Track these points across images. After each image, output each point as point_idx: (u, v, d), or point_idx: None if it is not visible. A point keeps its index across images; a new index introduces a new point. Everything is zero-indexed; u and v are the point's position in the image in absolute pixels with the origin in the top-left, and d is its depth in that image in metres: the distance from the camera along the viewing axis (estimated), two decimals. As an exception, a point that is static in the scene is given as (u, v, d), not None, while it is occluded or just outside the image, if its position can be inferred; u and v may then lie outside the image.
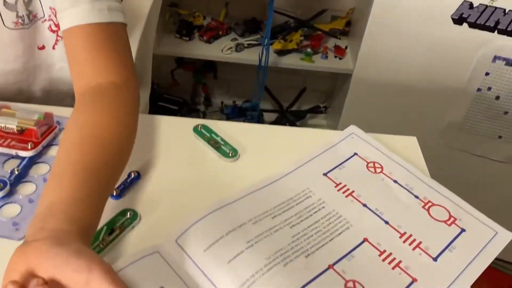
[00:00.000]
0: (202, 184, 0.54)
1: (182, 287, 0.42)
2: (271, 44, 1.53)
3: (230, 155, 0.57)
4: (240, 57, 1.56)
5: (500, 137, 1.21)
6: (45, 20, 0.62)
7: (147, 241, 0.46)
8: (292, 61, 1.57)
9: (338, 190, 0.54)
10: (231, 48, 1.56)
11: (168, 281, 0.43)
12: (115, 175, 0.48)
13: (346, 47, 1.58)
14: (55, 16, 0.61)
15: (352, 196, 0.53)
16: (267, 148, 0.59)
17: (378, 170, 0.57)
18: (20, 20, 0.60)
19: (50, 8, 0.61)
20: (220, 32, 1.59)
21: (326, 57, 1.58)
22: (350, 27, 1.64)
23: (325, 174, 0.56)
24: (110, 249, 0.46)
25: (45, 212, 0.40)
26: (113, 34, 0.55)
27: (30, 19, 0.61)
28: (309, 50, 1.57)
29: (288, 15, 1.61)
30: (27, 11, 0.60)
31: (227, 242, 0.46)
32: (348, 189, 0.54)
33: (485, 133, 1.22)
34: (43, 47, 0.65)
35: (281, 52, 1.56)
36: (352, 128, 0.63)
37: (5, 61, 0.63)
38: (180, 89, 1.80)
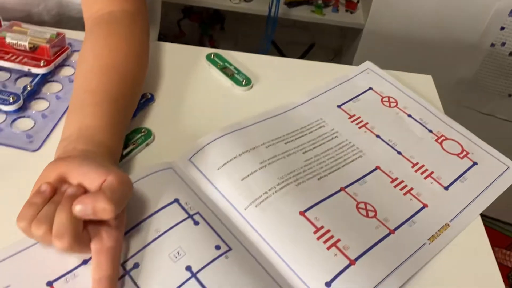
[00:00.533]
0: (214, 110, 0.53)
1: (196, 201, 0.43)
2: (282, -6, 1.49)
3: (244, 83, 0.56)
4: (249, 7, 1.53)
5: (510, 95, 1.20)
6: None
7: (160, 159, 0.46)
8: (302, 13, 1.54)
9: (352, 122, 0.54)
10: (240, -2, 1.52)
11: (182, 194, 0.43)
12: (133, 104, 0.49)
13: (357, 1, 1.54)
14: None
15: (366, 127, 0.53)
16: (281, 79, 0.59)
17: (393, 104, 0.56)
18: None
19: None
20: (229, -19, 1.55)
21: (337, 10, 1.55)
22: (363, -20, 1.60)
23: (339, 106, 0.55)
24: (124, 163, 0.46)
25: (73, 137, 0.41)
26: None
27: None
28: (320, 2, 1.53)
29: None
30: None
31: (241, 162, 0.46)
32: (362, 121, 0.54)
33: (495, 91, 1.21)
34: None
35: (291, 4, 1.53)
36: (368, 64, 0.62)
37: None
38: (187, 40, 1.77)
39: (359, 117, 0.54)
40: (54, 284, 0.36)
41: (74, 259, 0.38)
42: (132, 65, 0.49)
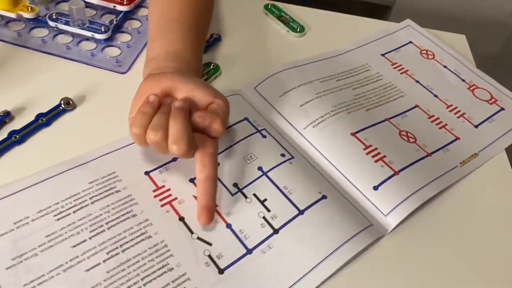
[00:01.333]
0: (272, 52, 0.60)
1: (262, 120, 0.50)
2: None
3: (298, 30, 0.63)
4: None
5: (531, 74, 1.25)
6: None
7: (228, 88, 0.53)
8: (333, -12, 1.59)
9: (394, 68, 0.60)
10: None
11: (250, 114, 0.50)
12: (206, 34, 0.55)
13: (388, -21, 1.59)
14: None
15: (406, 73, 0.60)
16: (331, 30, 0.65)
17: (431, 57, 0.63)
18: None
19: None
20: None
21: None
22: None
23: (382, 55, 0.62)
24: (199, 89, 0.54)
25: (161, 57, 0.47)
26: None
27: None
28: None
29: None
30: None
31: (299, 92, 0.53)
32: (402, 68, 0.61)
33: (517, 69, 1.26)
34: None
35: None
36: (408, 21, 0.68)
37: None
38: None
39: (400, 65, 0.61)
40: (151, 174, 0.44)
41: (166, 157, 0.45)
42: (205, 1, 0.56)
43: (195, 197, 0.43)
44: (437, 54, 0.63)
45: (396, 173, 0.46)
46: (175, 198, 0.43)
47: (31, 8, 0.56)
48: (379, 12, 1.68)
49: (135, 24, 0.60)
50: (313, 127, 0.50)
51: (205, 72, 0.55)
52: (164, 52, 0.48)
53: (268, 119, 0.51)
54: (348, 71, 0.58)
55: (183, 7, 0.52)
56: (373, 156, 0.47)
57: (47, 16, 0.56)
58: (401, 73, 0.60)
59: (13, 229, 0.39)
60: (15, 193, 0.41)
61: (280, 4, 0.67)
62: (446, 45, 0.65)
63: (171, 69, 0.45)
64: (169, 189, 0.43)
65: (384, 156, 0.48)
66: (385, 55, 0.62)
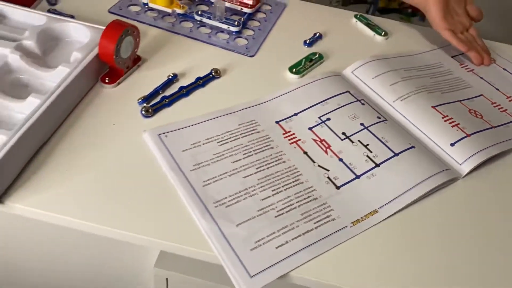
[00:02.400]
0: (361, 49, 0.75)
1: (360, 94, 0.65)
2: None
3: (382, 34, 0.78)
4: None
5: None
6: None
7: (330, 72, 0.69)
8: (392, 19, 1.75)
9: (462, 67, 0.74)
10: (338, 1, 1.76)
11: (350, 89, 0.65)
12: None
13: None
14: None
15: (472, 72, 0.74)
16: (408, 36, 0.80)
17: (492, 61, 0.76)
18: None
19: None
20: (331, -13, 1.79)
21: (423, 19, 1.74)
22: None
23: (452, 57, 0.76)
24: (305, 75, 0.69)
25: None
26: None
27: None
28: (409, 11, 1.74)
29: (395, -23, 1.78)
30: None
31: (388, 76, 0.68)
32: (469, 67, 0.74)
33: None
34: None
35: (383, 11, 1.75)
36: (473, 34, 0.82)
37: None
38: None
39: (467, 65, 0.75)
40: (280, 123, 0.60)
41: (290, 110, 0.61)
42: None
43: (314, 140, 0.57)
44: (498, 60, 0.77)
45: (468, 135, 0.59)
46: (299, 139, 0.58)
47: (182, 6, 0.74)
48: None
49: (256, 23, 0.77)
50: (401, 100, 0.64)
51: (312, 59, 0.71)
52: None
53: (364, 94, 0.65)
54: (426, 65, 0.73)
55: None
56: (450, 123, 0.61)
57: (194, 12, 0.74)
58: (468, 71, 0.74)
59: (191, 148, 0.54)
60: (189, 126, 0.57)
61: (367, 16, 0.83)
62: (504, 54, 0.78)
63: None
64: (294, 133, 0.58)
65: (458, 124, 0.61)
66: (455, 57, 0.76)
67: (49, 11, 0.70)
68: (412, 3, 0.76)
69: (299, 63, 0.70)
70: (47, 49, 0.62)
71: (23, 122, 0.49)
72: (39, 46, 0.60)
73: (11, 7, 0.65)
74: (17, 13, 0.65)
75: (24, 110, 0.52)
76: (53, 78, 0.56)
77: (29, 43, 0.59)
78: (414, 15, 1.75)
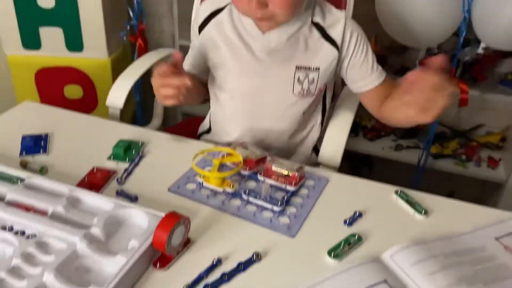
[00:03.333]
0: (402, 227, 0.78)
1: (398, 283, 0.66)
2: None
3: (422, 213, 0.80)
4: (399, 156, 1.81)
5: None
6: (313, 95, 1.01)
7: (368, 256, 0.71)
8: (446, 165, 1.77)
9: (506, 251, 0.73)
10: (391, 147, 1.82)
11: (388, 277, 0.66)
12: None
13: (499, 159, 1.73)
14: (320, 92, 1.03)
15: (519, 256, 0.72)
16: (450, 214, 0.81)
17: (541, 243, 0.75)
18: (302, 92, 0.99)
19: (320, 89, 1.00)
20: (383, 133, 1.87)
21: (479, 165, 1.74)
22: (504, 142, 1.80)
23: (496, 238, 0.76)
24: (347, 255, 0.71)
25: None
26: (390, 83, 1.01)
27: (306, 93, 0.99)
28: (463, 157, 1.76)
29: (447, 125, 1.84)
30: (308, 87, 0.98)
31: (428, 263, 0.68)
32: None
33: None
34: (304, 113, 1.03)
35: (437, 156, 1.77)
36: (518, 211, 0.82)
37: (283, 120, 1.01)
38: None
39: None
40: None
41: None
42: None
43: None
44: (547, 242, 0.75)
45: None
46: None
47: (232, 185, 0.82)
48: (490, 189, 1.78)
49: (298, 200, 0.83)
50: (441, 295, 0.64)
51: (351, 242, 0.74)
52: None
53: (403, 283, 0.66)
54: (467, 249, 0.73)
55: None
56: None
57: (242, 191, 0.82)
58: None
59: None
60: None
61: (408, 191, 0.86)
62: (555, 234, 0.76)
63: None
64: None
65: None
66: (499, 239, 0.76)
67: (117, 192, 0.81)
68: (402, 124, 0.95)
69: (338, 245, 0.73)
70: (110, 233, 0.71)
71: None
72: (104, 232, 0.69)
73: (85, 193, 0.76)
74: (89, 198, 0.76)
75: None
76: (112, 266, 0.63)
77: (96, 230, 0.68)
78: (468, 161, 1.76)
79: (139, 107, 1.82)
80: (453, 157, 1.78)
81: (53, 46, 1.63)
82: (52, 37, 1.61)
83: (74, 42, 1.62)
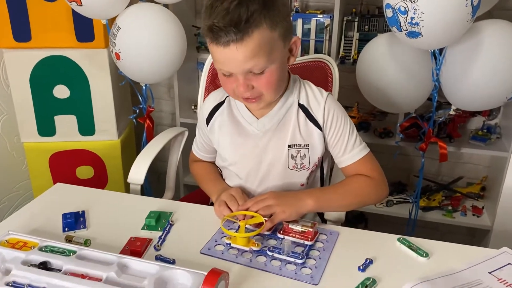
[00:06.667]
0: (410, 269, 0.89)
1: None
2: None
3: (424, 255, 0.93)
4: (390, 210, 1.95)
5: None
6: (309, 169, 1.12)
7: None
8: (435, 216, 1.91)
9: (500, 282, 0.85)
10: (382, 203, 1.96)
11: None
12: None
13: (482, 207, 1.88)
14: (315, 166, 1.13)
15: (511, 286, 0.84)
16: (447, 256, 0.94)
17: (527, 273, 0.87)
18: (296, 165, 1.12)
19: (314, 163, 1.12)
20: (373, 191, 2.02)
21: (465, 214, 1.89)
22: (485, 191, 1.96)
23: (489, 272, 0.88)
24: (366, 295, 0.83)
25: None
26: (370, 158, 1.12)
27: (300, 167, 1.12)
28: (449, 208, 1.90)
29: (431, 180, 2.00)
30: (301, 162, 1.11)
31: (435, 297, 0.80)
32: (507, 282, 0.85)
33: None
34: (302, 184, 1.14)
35: (425, 209, 1.92)
36: (505, 249, 0.95)
37: (279, 188, 1.14)
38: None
39: (505, 280, 0.86)
40: None
41: None
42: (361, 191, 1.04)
43: None
44: (532, 271, 0.88)
45: None
46: None
47: (257, 244, 0.94)
48: (479, 236, 1.91)
49: (316, 253, 0.94)
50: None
51: (367, 284, 0.85)
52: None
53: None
54: (466, 283, 0.85)
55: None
56: None
57: (267, 249, 0.93)
58: (507, 286, 0.84)
59: None
60: None
61: (408, 238, 0.99)
62: (538, 265, 0.89)
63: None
64: None
65: None
66: (492, 273, 0.88)
67: (156, 256, 0.92)
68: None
69: (357, 288, 0.84)
70: (159, 293, 0.80)
71: None
72: (155, 292, 0.79)
73: (131, 259, 0.86)
74: (136, 263, 0.86)
75: None
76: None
77: (148, 290, 0.78)
78: (454, 211, 1.90)
79: (146, 181, 1.93)
80: (440, 208, 1.93)
81: (67, 132, 1.77)
82: (66, 124, 1.76)
83: (87, 127, 1.77)
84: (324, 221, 1.20)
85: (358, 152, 1.11)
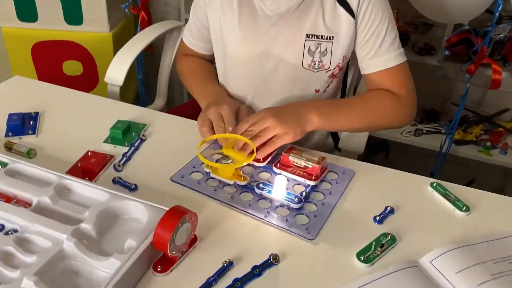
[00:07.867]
0: (441, 226, 0.67)
1: (441, 296, 0.56)
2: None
3: (464, 209, 0.70)
4: (418, 141, 1.70)
5: None
6: (329, 70, 0.87)
7: (405, 259, 0.61)
8: (469, 151, 1.65)
9: None
10: (410, 132, 1.71)
11: (429, 286, 0.56)
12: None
13: (528, 146, 1.61)
14: (338, 68, 0.88)
15: None
16: (495, 211, 0.71)
17: None
18: (313, 64, 0.86)
19: (337, 65, 0.87)
20: (401, 117, 1.75)
21: (505, 153, 1.63)
22: (533, 128, 1.68)
23: (549, 241, 0.65)
24: (379, 258, 0.61)
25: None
26: (404, 69, 0.87)
27: (319, 66, 0.86)
28: (488, 144, 1.64)
29: (470, 110, 1.72)
30: (320, 60, 0.85)
31: (475, 271, 0.58)
32: None
33: None
34: (317, 91, 0.89)
35: (459, 142, 1.66)
36: None
37: (292, 98, 0.89)
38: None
39: None
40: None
41: None
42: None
43: None
44: None
45: None
46: None
47: (244, 177, 0.72)
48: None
49: (319, 196, 0.72)
50: (492, 309, 0.54)
51: (383, 243, 0.63)
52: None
53: (447, 296, 0.56)
54: (518, 255, 0.62)
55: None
56: None
57: (255, 184, 0.71)
58: None
59: None
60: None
61: (445, 184, 0.75)
62: None
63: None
64: None
65: None
66: (553, 242, 0.65)
67: (114, 179, 0.71)
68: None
69: (368, 247, 0.63)
70: (103, 230, 0.61)
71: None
72: (96, 228, 0.59)
73: (76, 181, 0.66)
74: (81, 187, 0.66)
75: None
76: (104, 268, 0.54)
77: (87, 226, 0.59)
78: (493, 148, 1.64)
79: (142, 86, 1.71)
80: (476, 143, 1.67)
81: (50, 18, 1.52)
82: (49, 8, 1.50)
83: (73, 14, 1.51)
84: (337, 147, 0.97)
85: (393, 57, 0.85)
